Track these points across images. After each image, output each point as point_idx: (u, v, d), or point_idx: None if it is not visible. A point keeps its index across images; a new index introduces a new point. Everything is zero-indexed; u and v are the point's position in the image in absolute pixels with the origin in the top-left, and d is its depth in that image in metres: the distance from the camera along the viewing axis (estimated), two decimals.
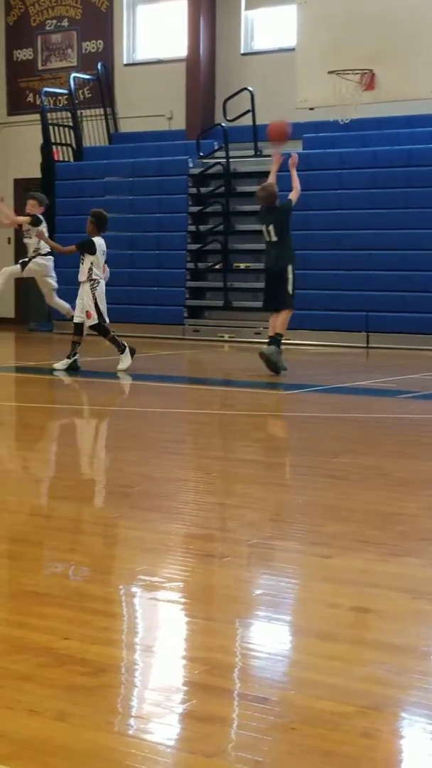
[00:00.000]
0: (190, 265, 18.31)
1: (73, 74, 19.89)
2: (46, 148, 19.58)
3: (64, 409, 10.15)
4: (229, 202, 18.02)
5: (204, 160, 18.25)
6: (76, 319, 13.00)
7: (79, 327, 12.92)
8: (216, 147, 18.22)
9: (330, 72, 16.48)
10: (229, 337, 17.61)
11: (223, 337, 17.68)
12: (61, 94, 20.18)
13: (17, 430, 9.07)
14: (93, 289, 12.71)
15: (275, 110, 17.95)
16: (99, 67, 19.94)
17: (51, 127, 19.55)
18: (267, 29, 19.25)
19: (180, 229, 18.37)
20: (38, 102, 20.03)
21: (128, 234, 18.55)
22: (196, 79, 18.99)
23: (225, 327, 17.85)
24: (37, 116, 19.80)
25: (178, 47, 19.32)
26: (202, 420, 9.67)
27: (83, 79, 20.09)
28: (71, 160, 19.91)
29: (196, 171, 18.30)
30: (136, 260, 18.50)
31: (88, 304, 12.74)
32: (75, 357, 12.84)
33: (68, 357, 12.86)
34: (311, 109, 17.10)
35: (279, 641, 3.88)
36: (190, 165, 18.39)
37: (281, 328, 12.72)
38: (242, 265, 18.16)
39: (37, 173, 19.76)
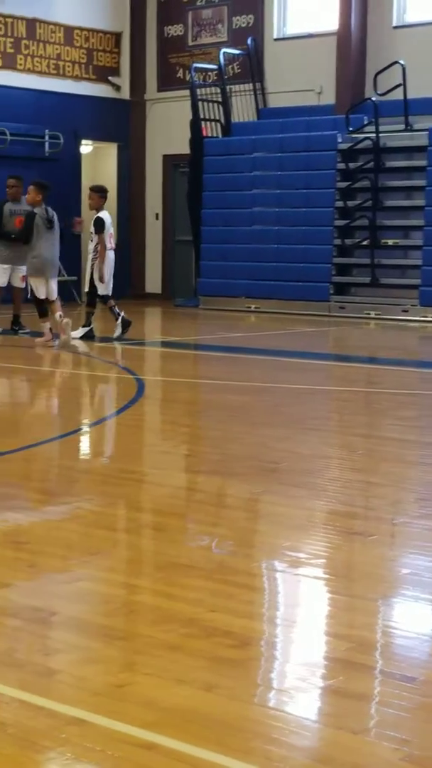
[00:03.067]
0: (337, 242, 18.20)
1: (223, 49, 19.94)
2: (195, 124, 19.67)
3: (210, 384, 10.23)
4: (378, 178, 17.83)
5: (353, 135, 18.08)
6: (100, 292, 13.38)
7: (102, 297, 13.45)
8: (365, 122, 18.03)
9: None
10: (376, 315, 17.46)
11: (369, 314, 17.54)
12: (211, 70, 20.26)
13: (164, 404, 9.18)
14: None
15: (426, 84, 17.67)
16: (249, 42, 19.94)
17: (200, 103, 19.65)
18: (420, 1, 18.94)
19: (327, 205, 18.27)
20: (188, 78, 20.13)
21: (275, 210, 18.53)
22: (346, 53, 18.82)
23: (371, 304, 17.69)
24: (187, 92, 19.89)
25: (329, 21, 19.16)
26: (347, 397, 9.63)
27: (233, 54, 20.11)
28: (220, 135, 19.97)
29: (345, 146, 18.15)
30: (282, 236, 18.47)
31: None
32: (92, 326, 13.43)
33: (84, 325, 13.39)
34: None
35: (426, 621, 3.85)
36: (339, 140, 18.24)
37: None
38: (390, 242, 17.96)
39: (185, 149, 19.88)
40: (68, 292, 19.17)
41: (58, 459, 6.73)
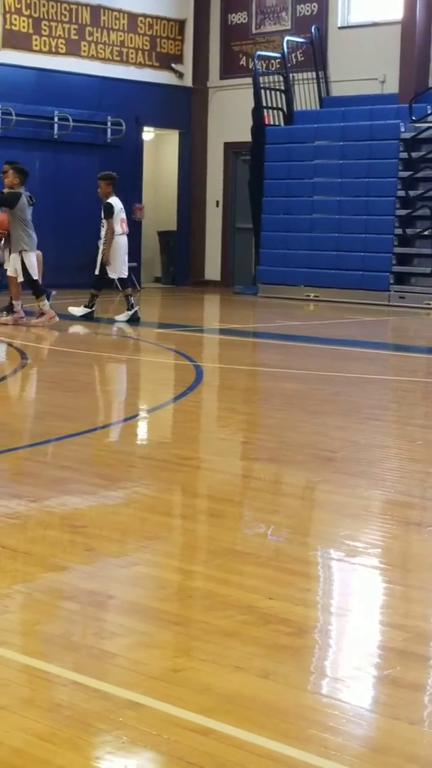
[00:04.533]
0: (398, 231, 18.06)
1: (287, 37, 19.85)
2: (257, 112, 19.61)
3: (268, 372, 10.21)
4: None
5: (416, 125, 17.92)
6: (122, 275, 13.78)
7: (121, 282, 13.83)
8: (429, 111, 17.86)
9: None
10: None
11: (429, 304, 17.39)
12: (274, 58, 20.17)
13: (222, 391, 9.18)
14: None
15: None
16: (313, 30, 19.83)
17: (262, 91, 19.58)
18: None
19: (389, 194, 18.14)
20: (251, 66, 20.07)
21: (336, 199, 18.44)
22: (411, 42, 18.64)
23: None
24: (249, 80, 19.82)
25: (394, 10, 19.00)
26: (406, 387, 9.56)
27: (296, 42, 20.01)
28: (281, 123, 19.89)
29: (408, 135, 18.00)
30: (343, 225, 18.37)
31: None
32: (135, 308, 13.68)
33: (128, 309, 13.63)
34: None
35: None
36: (402, 129, 18.09)
37: None
38: None
39: (247, 137, 19.82)
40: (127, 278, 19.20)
41: (116, 444, 6.75)
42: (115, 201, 13.73)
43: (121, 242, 13.77)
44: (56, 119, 18.66)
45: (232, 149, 21.40)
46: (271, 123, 19.90)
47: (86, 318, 13.63)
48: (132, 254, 19.47)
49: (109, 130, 19.57)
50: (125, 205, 17.66)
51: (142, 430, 7.54)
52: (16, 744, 2.67)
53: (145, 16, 20.36)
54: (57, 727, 2.76)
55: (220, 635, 3.39)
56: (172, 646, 3.35)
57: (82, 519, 4.85)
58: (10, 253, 13.12)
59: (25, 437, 6.69)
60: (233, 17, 21.36)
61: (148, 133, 21.11)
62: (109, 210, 13.65)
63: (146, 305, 17.59)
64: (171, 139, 21.65)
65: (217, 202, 21.76)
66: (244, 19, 21.22)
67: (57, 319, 12.85)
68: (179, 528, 4.90)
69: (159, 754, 2.64)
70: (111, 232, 13.59)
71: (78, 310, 13.70)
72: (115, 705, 2.89)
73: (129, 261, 19.18)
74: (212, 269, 21.79)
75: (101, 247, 13.74)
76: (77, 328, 13.24)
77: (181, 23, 21.16)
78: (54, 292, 13.70)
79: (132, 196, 19.76)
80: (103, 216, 13.80)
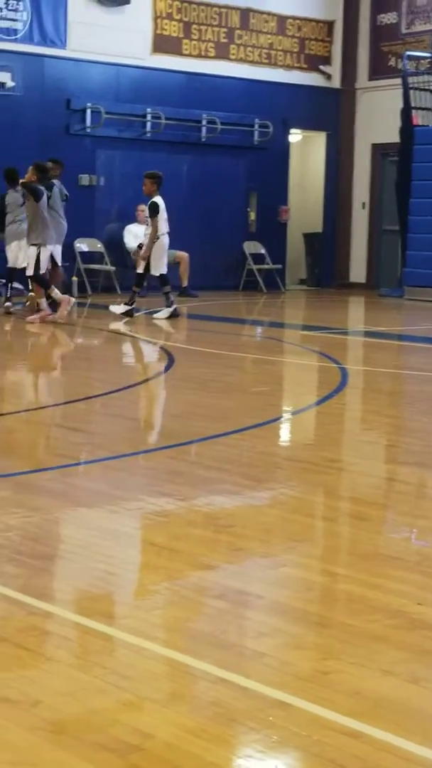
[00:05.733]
0: None
1: None
2: (406, 113, 19.41)
3: (414, 375, 10.10)
4: None
5: None
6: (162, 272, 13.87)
7: (160, 279, 13.93)
8: None
9: None
10: None
11: None
12: (424, 58, 19.95)
13: (367, 394, 9.12)
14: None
15: None
16: None
17: (411, 91, 19.39)
18: None
19: None
20: (400, 66, 19.90)
21: None
22: None
23: None
24: (398, 81, 19.63)
25: None
26: None
27: None
28: (430, 124, 19.67)
29: None
30: None
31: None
32: (174, 305, 13.84)
33: (167, 306, 13.78)
34: None
35: None
36: None
37: None
38: None
39: (394, 138, 19.65)
40: (273, 280, 19.27)
41: (261, 445, 6.77)
42: (159, 200, 13.88)
43: (164, 241, 13.95)
44: (204, 122, 18.82)
45: (379, 150, 21.24)
46: (421, 124, 19.68)
47: (127, 315, 13.78)
48: (277, 256, 19.55)
49: (256, 133, 19.63)
50: (271, 207, 17.74)
51: (287, 431, 7.55)
52: (167, 738, 2.71)
53: (294, 18, 20.36)
54: (207, 723, 2.79)
55: (368, 639, 3.38)
56: (320, 648, 3.36)
57: (228, 518, 4.89)
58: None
59: (172, 437, 6.77)
60: (383, 17, 21.19)
61: (295, 135, 21.10)
62: (155, 209, 13.79)
63: (291, 307, 17.61)
64: (318, 140, 21.59)
65: (364, 204, 21.61)
66: (394, 19, 21.03)
67: (73, 300, 13.22)
68: (324, 530, 4.90)
69: (309, 754, 2.65)
70: (155, 231, 13.75)
71: (119, 308, 13.89)
72: (265, 704, 2.91)
73: (274, 262, 19.32)
74: (357, 271, 21.66)
75: (145, 245, 13.93)
76: (221, 329, 13.32)
77: (330, 24, 21.09)
78: (74, 300, 13.74)
79: (278, 198, 19.79)
80: (147, 215, 13.95)
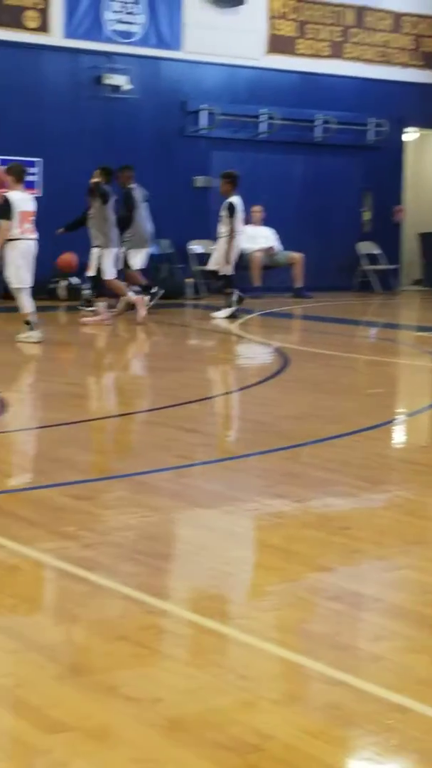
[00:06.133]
0: None
1: None
2: None
3: None
4: None
5: None
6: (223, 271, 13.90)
7: (230, 278, 13.96)
8: None
9: None
10: None
11: None
12: None
13: None
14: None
15: None
16: None
17: None
18: None
19: None
20: None
21: None
22: None
23: None
24: None
25: None
26: None
27: None
28: None
29: None
30: None
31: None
32: (235, 306, 13.82)
33: (228, 306, 13.75)
34: None
35: None
36: None
37: None
38: None
39: None
40: (387, 281, 19.14)
41: (377, 447, 6.74)
42: (236, 200, 13.88)
43: (238, 241, 13.99)
44: (318, 122, 18.78)
45: None
46: None
47: (232, 317, 13.77)
48: (392, 256, 19.39)
49: (370, 132, 19.51)
50: (385, 207, 17.58)
51: (402, 433, 7.50)
52: (286, 739, 2.73)
53: (410, 15, 20.18)
54: (325, 725, 2.80)
55: None
56: None
57: (345, 520, 4.88)
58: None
59: (287, 438, 6.78)
60: None
61: (410, 134, 20.91)
62: (232, 209, 13.80)
63: (405, 308, 17.47)
64: None
65: None
66: None
67: (108, 323, 12.96)
68: None
69: (429, 759, 2.64)
70: (233, 231, 13.77)
71: (222, 313, 13.85)
72: (384, 707, 2.91)
73: (389, 263, 19.16)
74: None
75: (224, 245, 13.89)
76: (335, 330, 13.28)
77: None
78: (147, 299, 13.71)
79: (392, 198, 19.64)
80: (225, 215, 13.92)
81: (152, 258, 16.59)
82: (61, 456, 6.19)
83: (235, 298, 13.85)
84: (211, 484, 5.58)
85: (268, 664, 3.26)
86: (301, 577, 4.06)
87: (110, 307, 13.32)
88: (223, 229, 14.03)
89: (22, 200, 11.26)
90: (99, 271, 12.94)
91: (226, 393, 8.37)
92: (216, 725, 2.80)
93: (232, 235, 13.85)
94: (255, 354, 11.69)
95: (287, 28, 18.56)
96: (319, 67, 18.84)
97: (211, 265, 14.18)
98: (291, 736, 2.74)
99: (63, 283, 15.63)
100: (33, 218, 11.27)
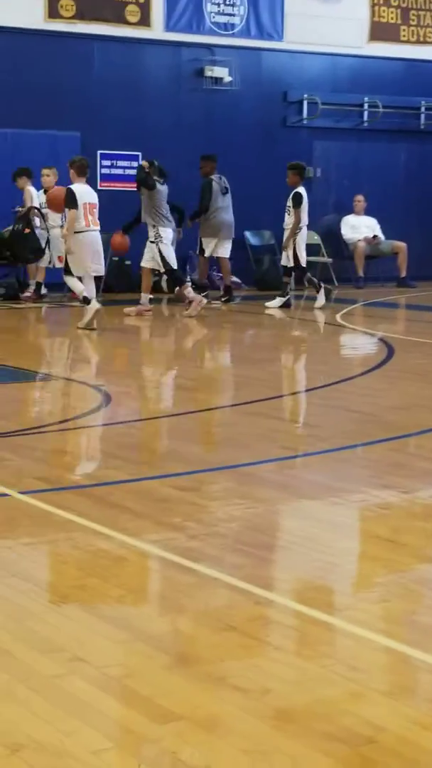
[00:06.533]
0: None
1: None
2: None
3: None
4: None
5: None
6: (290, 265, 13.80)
7: (291, 270, 13.83)
8: None
9: None
10: None
11: None
12: None
13: None
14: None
15: None
16: None
17: None
18: None
19: None
20: None
21: None
22: None
23: None
24: None
25: None
26: None
27: None
28: None
29: None
30: None
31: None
32: (288, 296, 13.81)
33: (281, 296, 13.79)
34: None
35: None
36: None
37: None
38: None
39: None
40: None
41: None
42: (302, 191, 13.73)
43: (304, 233, 13.89)
44: (423, 109, 18.52)
45: None
46: None
47: (286, 306, 13.73)
48: None
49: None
50: None
51: None
52: (399, 731, 2.69)
53: None
54: None
55: None
56: None
57: None
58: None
59: (393, 429, 6.70)
60: None
61: None
62: (299, 200, 13.66)
63: None
64: None
65: None
66: None
67: (204, 302, 12.99)
68: None
69: None
70: (297, 222, 13.64)
71: (274, 303, 13.78)
72: None
73: None
74: None
75: (292, 237, 13.76)
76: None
77: None
78: (205, 301, 13.45)
79: None
80: (291, 205, 13.75)
81: (254, 249, 16.61)
82: (166, 447, 6.21)
83: (322, 290, 13.74)
84: (316, 475, 5.55)
85: (377, 656, 3.23)
86: (409, 569, 4.01)
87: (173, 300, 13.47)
88: (288, 220, 13.94)
89: (85, 192, 11.51)
90: (165, 263, 12.92)
91: (330, 384, 8.31)
92: (325, 717, 2.78)
93: (296, 226, 13.73)
94: (359, 344, 11.60)
95: (390, 15, 18.35)
96: (423, 53, 18.58)
97: (283, 261, 14.08)
98: (402, 728, 2.71)
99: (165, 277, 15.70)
100: (96, 210, 11.44)
